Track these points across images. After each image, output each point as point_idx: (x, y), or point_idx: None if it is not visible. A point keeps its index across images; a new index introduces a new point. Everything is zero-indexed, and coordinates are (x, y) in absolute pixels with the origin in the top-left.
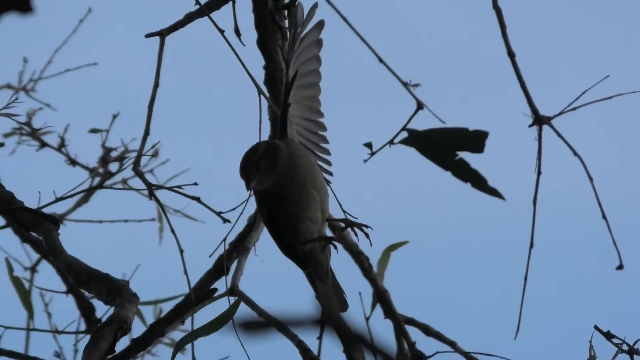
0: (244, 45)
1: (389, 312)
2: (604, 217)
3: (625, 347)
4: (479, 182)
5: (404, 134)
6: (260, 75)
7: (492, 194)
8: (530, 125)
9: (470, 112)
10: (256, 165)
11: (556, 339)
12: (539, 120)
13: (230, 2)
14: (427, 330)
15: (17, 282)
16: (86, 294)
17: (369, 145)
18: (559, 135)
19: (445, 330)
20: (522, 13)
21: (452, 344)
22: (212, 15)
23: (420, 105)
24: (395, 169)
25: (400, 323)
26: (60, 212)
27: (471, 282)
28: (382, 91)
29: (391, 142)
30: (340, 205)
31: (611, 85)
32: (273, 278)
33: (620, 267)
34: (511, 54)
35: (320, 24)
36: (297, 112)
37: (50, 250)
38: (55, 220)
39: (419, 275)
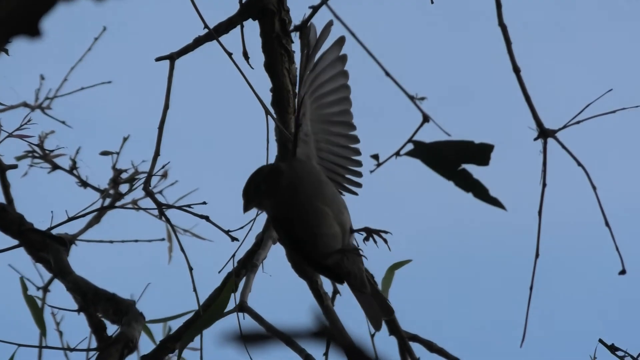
0: (252, 68)
1: (394, 329)
2: (607, 224)
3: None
4: (480, 192)
5: (410, 146)
6: (267, 97)
7: (494, 204)
8: (535, 139)
9: (475, 125)
10: (256, 188)
11: (561, 350)
12: (544, 133)
13: (239, 27)
14: (431, 347)
15: (30, 301)
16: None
17: (375, 156)
18: (564, 147)
19: (449, 346)
20: (526, 20)
21: None
22: (221, 39)
23: (426, 118)
24: (398, 187)
25: (404, 340)
26: (72, 232)
27: (475, 298)
28: (387, 103)
29: (397, 153)
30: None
31: (618, 94)
32: (281, 294)
33: (622, 272)
34: (516, 70)
35: (341, 40)
36: (321, 130)
37: (59, 271)
38: (64, 241)
39: (423, 293)
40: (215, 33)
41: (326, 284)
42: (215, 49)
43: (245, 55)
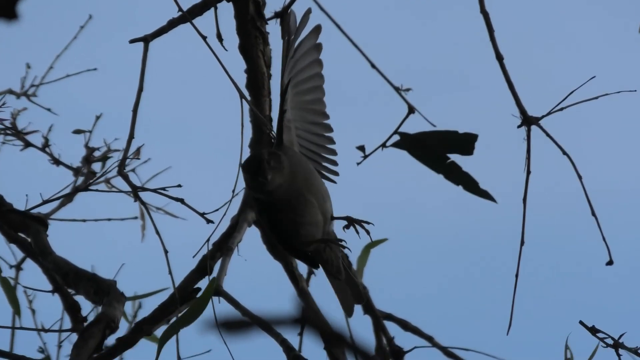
0: (226, 50)
1: (368, 308)
2: (593, 214)
3: (610, 341)
4: (470, 184)
5: (396, 137)
6: (242, 79)
7: (484, 197)
8: (519, 126)
9: (460, 114)
10: (268, 164)
11: (541, 335)
12: (528, 120)
13: (213, 9)
14: (405, 326)
15: (4, 282)
16: (72, 292)
17: (361, 148)
18: (548, 135)
19: (423, 325)
20: (509, 9)
21: (429, 339)
22: (195, 21)
23: (411, 109)
24: (378, 167)
25: (379, 319)
26: (45, 211)
27: (452, 279)
28: (373, 95)
29: (383, 145)
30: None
31: (602, 82)
32: (256, 277)
33: (610, 262)
34: (499, 57)
35: (318, 29)
36: (299, 117)
37: (39, 251)
38: (44, 222)
39: (398, 272)
40: (189, 15)
41: (301, 266)
42: (190, 31)
43: (219, 38)
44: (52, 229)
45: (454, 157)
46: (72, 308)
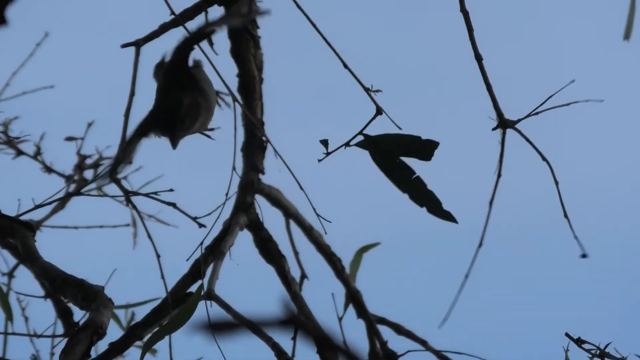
0: (216, 54)
1: (362, 312)
2: (565, 216)
3: (596, 352)
4: (433, 205)
5: (361, 138)
6: (234, 83)
7: (446, 218)
8: (494, 129)
9: (436, 117)
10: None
11: (529, 340)
12: (504, 123)
13: (204, 13)
14: (399, 330)
15: None
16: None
17: (324, 143)
18: (526, 139)
19: (417, 329)
20: (491, 10)
21: (423, 343)
22: (187, 25)
23: (379, 111)
24: (364, 169)
25: (372, 323)
26: (37, 218)
27: (443, 282)
28: (345, 96)
29: (347, 144)
30: (314, 209)
31: (581, 87)
32: (248, 281)
33: (584, 255)
34: (478, 57)
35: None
36: None
37: (27, 257)
38: (32, 227)
39: (391, 276)
40: (181, 19)
41: (294, 270)
42: (182, 35)
43: (210, 42)
44: (44, 236)
45: (410, 161)
46: (64, 314)
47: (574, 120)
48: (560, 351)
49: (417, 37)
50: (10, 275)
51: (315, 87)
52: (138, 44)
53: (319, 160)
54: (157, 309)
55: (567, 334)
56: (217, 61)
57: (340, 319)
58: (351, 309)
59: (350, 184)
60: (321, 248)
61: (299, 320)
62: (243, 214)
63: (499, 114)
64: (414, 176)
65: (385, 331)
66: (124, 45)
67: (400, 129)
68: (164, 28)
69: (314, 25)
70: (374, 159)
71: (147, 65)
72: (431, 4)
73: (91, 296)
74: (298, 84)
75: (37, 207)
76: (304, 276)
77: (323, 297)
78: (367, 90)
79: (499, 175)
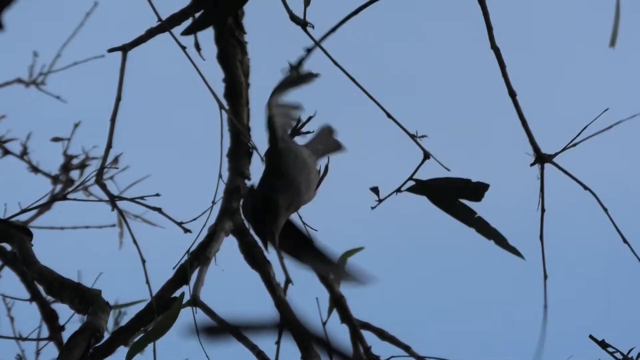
0: (204, 59)
1: (345, 316)
2: (625, 241)
3: (619, 356)
4: (500, 240)
5: (411, 183)
6: (220, 88)
7: (512, 252)
8: (532, 164)
9: (472, 153)
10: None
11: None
12: (541, 158)
13: (191, 18)
14: (382, 335)
15: None
16: (51, 300)
17: (375, 190)
18: (564, 171)
19: (400, 334)
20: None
21: (406, 348)
22: (174, 30)
23: (426, 155)
24: (352, 178)
25: (356, 327)
26: (24, 219)
27: (429, 287)
28: (386, 139)
29: (399, 190)
30: (300, 216)
31: (612, 115)
32: (233, 287)
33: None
34: (512, 94)
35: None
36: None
37: (24, 261)
38: (29, 231)
39: (374, 280)
40: (168, 25)
41: (279, 275)
42: (169, 40)
43: (197, 47)
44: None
45: (466, 202)
46: (49, 317)
47: (609, 146)
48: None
49: (446, 75)
50: None
51: (302, 90)
52: (125, 49)
53: (372, 208)
54: (142, 314)
55: (591, 336)
56: (204, 66)
57: (324, 324)
58: (335, 314)
59: (335, 190)
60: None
61: (285, 322)
62: (228, 219)
63: (536, 149)
64: (476, 216)
65: (369, 336)
66: (111, 50)
67: (448, 170)
68: (150, 33)
69: (354, 80)
70: (434, 203)
71: (133, 69)
72: (460, 38)
73: (88, 300)
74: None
75: (23, 211)
76: (288, 281)
77: (307, 302)
78: (412, 136)
79: (543, 210)
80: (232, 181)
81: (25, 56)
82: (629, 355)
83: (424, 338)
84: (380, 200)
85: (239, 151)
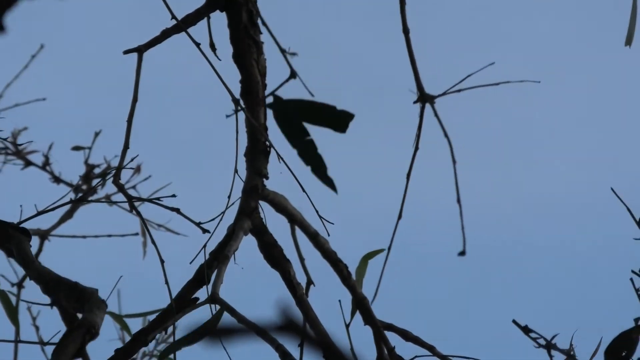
0: (219, 59)
1: (369, 318)
2: (458, 201)
3: (542, 342)
4: (319, 168)
5: (270, 99)
6: (237, 88)
7: (327, 184)
8: (415, 102)
9: (352, 86)
10: None
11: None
12: (424, 98)
13: (206, 18)
14: (406, 336)
15: (3, 296)
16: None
17: (235, 101)
18: (436, 115)
19: (424, 335)
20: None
21: (430, 349)
22: (189, 31)
23: (293, 74)
24: (366, 177)
25: (379, 329)
26: (45, 227)
27: (450, 287)
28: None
29: (256, 103)
30: (317, 211)
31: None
32: (253, 286)
33: (462, 253)
34: (406, 30)
35: None
36: None
37: (22, 261)
38: (27, 232)
39: (397, 282)
40: (183, 25)
41: (299, 274)
42: (183, 41)
43: (213, 47)
44: (52, 245)
45: (328, 131)
46: (70, 321)
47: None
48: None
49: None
50: (20, 285)
51: (318, 90)
52: (140, 50)
53: (227, 116)
54: (162, 315)
55: (514, 321)
56: (220, 66)
57: (347, 326)
58: (358, 316)
59: (354, 190)
60: (327, 254)
61: (303, 327)
62: (247, 218)
63: (420, 87)
64: (308, 138)
65: (392, 337)
66: (127, 52)
67: (312, 95)
68: (165, 34)
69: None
70: (276, 120)
71: (149, 70)
72: None
73: (85, 298)
74: (300, 89)
75: (39, 213)
76: (310, 282)
77: (330, 304)
78: (283, 51)
79: (416, 149)
80: (249, 180)
81: None
82: (552, 342)
83: (448, 338)
84: (236, 111)
85: (256, 150)
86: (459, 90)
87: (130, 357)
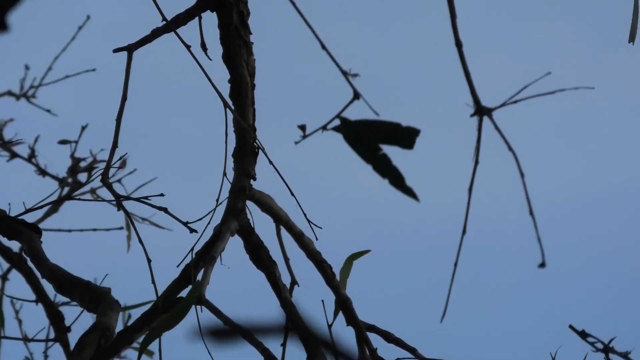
0: (210, 59)
1: (351, 319)
2: (530, 213)
3: (600, 346)
4: (397, 179)
5: (337, 122)
6: (226, 89)
7: (407, 194)
8: (472, 116)
9: (411, 103)
10: None
11: (529, 341)
12: (481, 111)
13: (197, 18)
14: (388, 337)
15: None
16: (57, 301)
17: (302, 127)
18: (497, 128)
19: (406, 337)
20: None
21: (412, 351)
22: (179, 30)
23: (356, 95)
24: (355, 176)
25: (362, 330)
26: (31, 221)
27: (433, 288)
28: (321, 77)
29: (324, 127)
30: (305, 214)
31: (557, 80)
32: (239, 286)
33: (542, 265)
34: (459, 44)
35: None
36: None
37: (33, 259)
38: (38, 229)
39: (381, 283)
40: (173, 25)
41: (284, 276)
42: (174, 40)
43: (203, 47)
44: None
45: (393, 149)
46: (55, 318)
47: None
48: (563, 347)
49: (392, 27)
50: (4, 278)
51: (308, 92)
52: (130, 49)
53: (296, 143)
54: (147, 314)
55: (571, 326)
56: (210, 66)
57: (330, 326)
58: (341, 316)
59: (342, 191)
60: (312, 255)
61: (292, 325)
62: (234, 219)
63: (476, 100)
64: (380, 152)
65: (374, 339)
66: (116, 50)
67: (377, 115)
68: (155, 33)
69: (293, 3)
70: (347, 142)
71: (138, 69)
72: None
73: (98, 298)
74: (290, 90)
75: (29, 210)
76: (294, 282)
77: (313, 304)
78: (344, 73)
79: (477, 163)
80: (237, 181)
81: (16, 69)
82: (610, 345)
83: (430, 340)
84: (305, 136)
85: (245, 151)
86: (516, 102)
87: (115, 356)
